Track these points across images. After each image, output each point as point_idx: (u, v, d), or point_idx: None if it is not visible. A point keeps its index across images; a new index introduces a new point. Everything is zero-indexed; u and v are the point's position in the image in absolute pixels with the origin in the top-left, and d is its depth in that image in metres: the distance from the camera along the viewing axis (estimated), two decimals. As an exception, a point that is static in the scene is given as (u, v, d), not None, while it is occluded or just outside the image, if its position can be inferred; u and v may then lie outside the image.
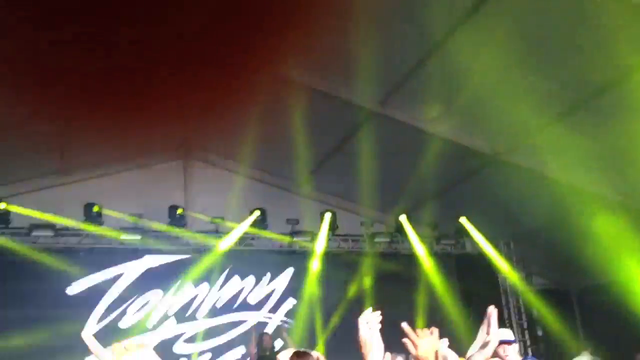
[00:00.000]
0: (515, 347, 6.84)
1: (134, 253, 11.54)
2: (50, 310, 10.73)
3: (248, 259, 12.03)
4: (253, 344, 10.24)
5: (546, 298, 12.89)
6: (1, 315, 10.53)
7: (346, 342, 12.33)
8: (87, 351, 3.84)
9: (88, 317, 10.89)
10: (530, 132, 10.25)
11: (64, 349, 9.83)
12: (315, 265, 12.09)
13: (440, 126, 10.39)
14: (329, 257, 12.23)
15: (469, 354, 2.65)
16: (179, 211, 11.62)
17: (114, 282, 11.29)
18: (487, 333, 2.66)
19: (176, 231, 11.67)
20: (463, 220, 12.57)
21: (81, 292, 11.07)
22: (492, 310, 2.66)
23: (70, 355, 9.66)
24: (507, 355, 6.68)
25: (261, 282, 12.09)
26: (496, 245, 12.96)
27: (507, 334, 6.95)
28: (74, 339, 9.83)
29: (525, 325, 13.08)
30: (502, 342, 6.72)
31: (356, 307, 12.06)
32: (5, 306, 10.52)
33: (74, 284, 11.05)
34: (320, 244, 12.16)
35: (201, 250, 11.81)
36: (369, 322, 2.67)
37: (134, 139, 11.36)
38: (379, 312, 2.75)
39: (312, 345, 11.56)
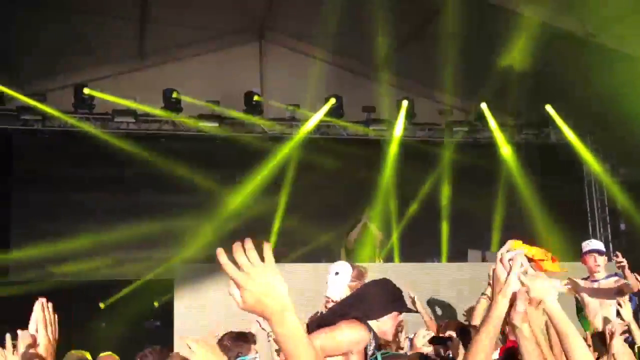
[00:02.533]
0: (605, 258, 6.38)
1: (212, 140, 11.43)
2: (134, 196, 10.92)
3: (323, 148, 11.74)
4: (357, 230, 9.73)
5: (631, 191, 12.21)
6: (90, 199, 10.78)
7: (420, 234, 12.17)
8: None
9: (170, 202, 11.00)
10: (628, 15, 9.43)
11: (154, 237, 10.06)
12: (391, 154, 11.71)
13: (529, 6, 9.62)
14: (405, 147, 11.75)
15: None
16: (256, 98, 11.32)
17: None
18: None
19: (253, 119, 11.44)
20: (548, 108, 11.79)
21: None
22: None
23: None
24: (597, 265, 6.27)
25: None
26: (581, 136, 12.11)
27: (598, 244, 6.50)
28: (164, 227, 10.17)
29: (608, 219, 12.48)
30: (592, 252, 6.31)
31: (432, 199, 11.78)
32: (85, 190, 10.74)
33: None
34: (396, 133, 11.71)
35: (277, 138, 11.57)
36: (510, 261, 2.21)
37: (211, 18, 11.18)
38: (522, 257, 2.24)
39: (388, 236, 11.37)
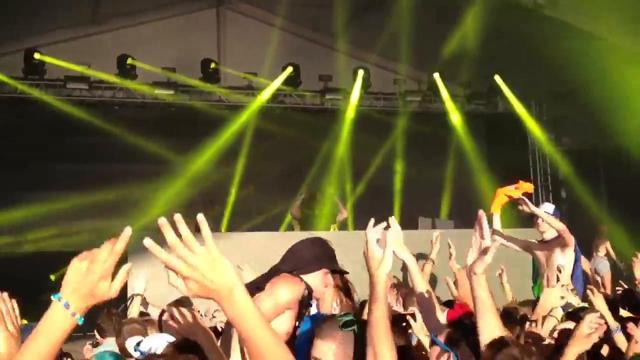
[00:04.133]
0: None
1: (168, 107, 11.15)
2: (88, 165, 10.57)
3: (279, 117, 11.60)
4: (298, 201, 9.80)
5: (573, 160, 12.50)
6: (41, 168, 10.38)
7: (373, 203, 12.21)
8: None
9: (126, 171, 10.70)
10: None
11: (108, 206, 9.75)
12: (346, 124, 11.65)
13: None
14: (361, 116, 11.70)
15: (468, 261, 2.24)
16: (212, 65, 11.04)
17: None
18: (482, 237, 2.23)
19: (209, 87, 11.18)
20: (497, 78, 11.86)
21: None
22: (481, 214, 2.24)
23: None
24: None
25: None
26: (528, 106, 12.27)
27: (549, 207, 6.56)
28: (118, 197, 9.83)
29: (550, 188, 12.76)
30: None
31: (385, 168, 11.79)
32: (36, 158, 10.34)
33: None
34: (352, 102, 11.64)
35: (233, 107, 11.34)
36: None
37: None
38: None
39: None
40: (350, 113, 11.53)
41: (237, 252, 6.40)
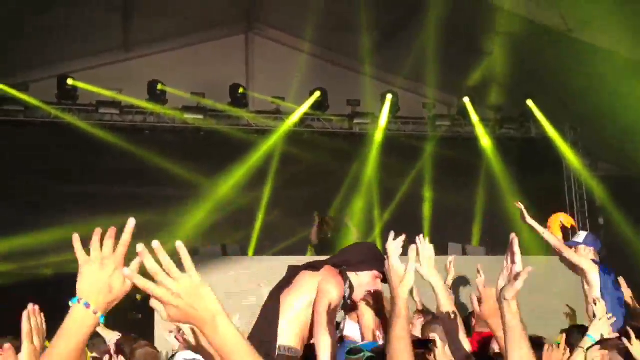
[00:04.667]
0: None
1: (196, 132, 11.22)
2: (117, 188, 10.66)
3: (307, 141, 11.56)
4: (316, 225, 9.71)
5: (610, 186, 12.11)
6: (71, 190, 10.50)
7: (402, 228, 12.00)
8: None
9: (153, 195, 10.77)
10: (606, 8, 9.28)
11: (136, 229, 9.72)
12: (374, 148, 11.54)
13: (511, 1, 9.46)
14: (389, 141, 11.54)
15: (498, 286, 2.15)
16: (240, 90, 11.08)
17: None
18: (513, 262, 2.12)
19: (238, 111, 11.22)
20: (529, 102, 11.61)
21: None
22: (513, 237, 2.12)
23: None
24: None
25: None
26: (562, 130, 11.96)
27: (582, 235, 6.21)
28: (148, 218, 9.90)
29: (587, 214, 12.36)
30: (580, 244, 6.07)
31: (414, 193, 11.59)
32: (68, 181, 10.46)
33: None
34: (380, 126, 11.53)
35: (262, 131, 11.34)
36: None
37: (198, 9, 10.92)
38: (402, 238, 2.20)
39: (371, 230, 11.21)
40: (378, 137, 11.41)
41: (264, 276, 6.33)
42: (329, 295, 3.40)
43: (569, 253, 5.67)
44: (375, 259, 3.64)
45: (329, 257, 3.80)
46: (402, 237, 2.23)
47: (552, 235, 5.78)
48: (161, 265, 1.40)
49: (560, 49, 9.92)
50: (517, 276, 2.07)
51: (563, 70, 10.20)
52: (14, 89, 10.13)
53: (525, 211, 5.73)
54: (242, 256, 9.48)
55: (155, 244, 1.40)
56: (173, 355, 3.69)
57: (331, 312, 3.37)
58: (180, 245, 1.42)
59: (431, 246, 2.79)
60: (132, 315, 10.04)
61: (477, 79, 11.09)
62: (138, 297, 9.99)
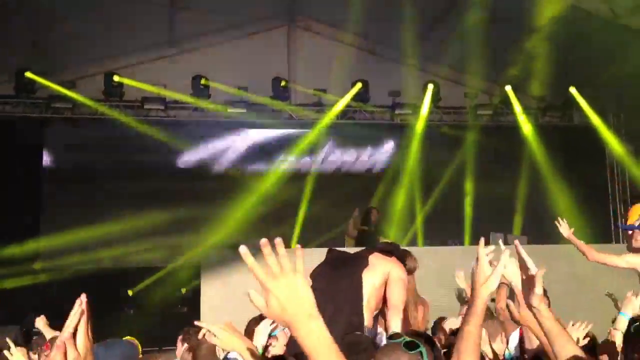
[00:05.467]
0: None
1: (240, 126, 11.27)
2: (163, 183, 10.76)
3: (349, 133, 11.53)
4: (356, 217, 9.69)
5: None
6: (119, 186, 10.63)
7: (443, 218, 11.91)
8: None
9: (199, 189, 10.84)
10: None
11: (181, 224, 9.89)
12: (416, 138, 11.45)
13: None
14: (430, 131, 11.47)
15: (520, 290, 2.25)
16: (282, 83, 11.08)
17: (222, 155, 11.15)
18: (526, 267, 2.22)
19: (280, 104, 11.23)
20: (572, 90, 11.40)
21: (191, 164, 11.02)
22: (517, 244, 2.25)
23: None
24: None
25: (362, 156, 11.66)
26: (605, 118, 11.75)
27: None
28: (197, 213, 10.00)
29: (629, 202, 12.13)
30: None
31: (456, 183, 11.49)
32: (115, 177, 10.60)
33: (184, 156, 11.01)
34: (421, 116, 11.44)
35: (304, 124, 11.35)
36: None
37: (240, 3, 10.92)
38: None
39: (412, 220, 11.15)
40: (419, 127, 11.32)
41: (307, 269, 6.33)
42: (403, 286, 3.76)
43: (608, 259, 5.47)
44: (409, 259, 4.11)
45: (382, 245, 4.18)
46: (492, 248, 2.19)
47: (589, 248, 5.59)
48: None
49: (607, 34, 9.70)
50: (532, 281, 2.14)
51: (608, 57, 9.98)
52: (62, 86, 10.26)
53: (564, 226, 5.62)
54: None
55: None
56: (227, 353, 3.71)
57: (404, 301, 3.77)
58: (299, 252, 1.47)
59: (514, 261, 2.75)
60: (179, 308, 10.13)
61: (520, 68, 10.92)
62: (183, 290, 10.13)
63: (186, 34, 11.29)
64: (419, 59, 11.74)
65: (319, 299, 1.42)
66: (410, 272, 4.18)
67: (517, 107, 11.55)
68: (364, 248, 4.08)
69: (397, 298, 3.72)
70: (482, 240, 2.24)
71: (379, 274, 3.79)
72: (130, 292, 10.20)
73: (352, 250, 4.03)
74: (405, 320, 3.91)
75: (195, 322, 2.60)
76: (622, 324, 3.74)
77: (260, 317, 3.70)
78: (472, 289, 2.18)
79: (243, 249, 1.44)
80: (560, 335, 2.19)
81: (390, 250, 4.01)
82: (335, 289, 3.69)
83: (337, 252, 4.01)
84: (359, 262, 3.83)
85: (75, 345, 1.85)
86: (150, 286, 10.09)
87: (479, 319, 2.13)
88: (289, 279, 1.45)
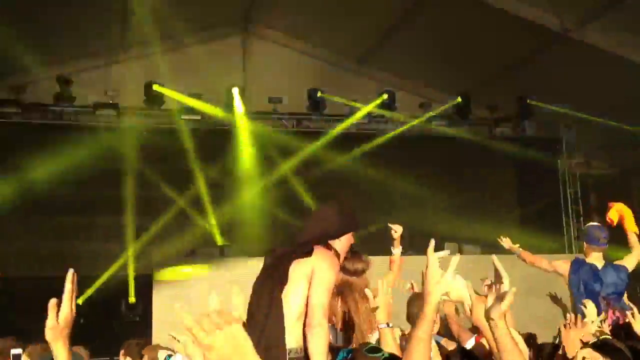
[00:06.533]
0: None
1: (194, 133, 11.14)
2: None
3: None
4: None
5: (605, 185, 12.07)
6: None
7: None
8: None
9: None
10: (605, 8, 9.25)
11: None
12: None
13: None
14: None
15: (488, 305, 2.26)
16: (319, 94, 10.92)
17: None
18: (500, 282, 2.23)
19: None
20: (524, 102, 11.50)
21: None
22: (494, 258, 2.27)
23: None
24: None
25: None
26: (557, 129, 12.02)
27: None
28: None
29: (581, 212, 12.31)
30: None
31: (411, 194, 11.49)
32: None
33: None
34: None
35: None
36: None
37: (196, 9, 10.73)
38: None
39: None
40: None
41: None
42: (325, 282, 3.29)
43: (537, 262, 6.29)
44: (347, 217, 3.67)
45: (304, 229, 3.65)
46: (446, 252, 2.23)
47: (526, 254, 6.42)
48: None
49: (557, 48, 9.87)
50: (503, 296, 2.16)
51: (558, 70, 10.18)
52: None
53: (506, 241, 6.53)
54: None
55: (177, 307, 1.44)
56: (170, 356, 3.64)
57: (327, 299, 3.28)
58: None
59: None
60: (129, 317, 9.92)
61: (473, 78, 11.02)
62: (131, 300, 9.88)
63: (139, 39, 11.06)
64: (375, 68, 11.79)
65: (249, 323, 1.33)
66: (356, 273, 3.79)
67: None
68: (290, 246, 3.49)
69: (312, 304, 3.25)
70: (432, 243, 2.22)
71: (300, 287, 3.30)
72: (79, 301, 9.92)
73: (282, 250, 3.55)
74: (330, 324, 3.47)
75: (170, 333, 2.54)
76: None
77: None
78: (424, 294, 2.19)
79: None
80: (512, 351, 2.18)
81: (318, 239, 3.49)
82: (258, 311, 3.28)
83: (269, 257, 3.61)
84: (276, 278, 3.35)
85: (57, 314, 2.03)
86: (99, 294, 9.86)
87: (429, 325, 2.15)
88: (226, 332, 1.40)
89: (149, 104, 10.57)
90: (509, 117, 12.01)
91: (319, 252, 3.38)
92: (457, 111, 11.64)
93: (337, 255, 3.56)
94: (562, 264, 6.15)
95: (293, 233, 3.64)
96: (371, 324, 3.58)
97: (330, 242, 3.56)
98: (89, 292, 9.69)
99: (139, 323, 9.53)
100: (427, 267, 2.20)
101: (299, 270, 3.33)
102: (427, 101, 11.80)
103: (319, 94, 10.94)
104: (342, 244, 3.63)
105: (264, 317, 3.24)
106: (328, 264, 3.34)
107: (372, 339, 3.54)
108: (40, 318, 2.09)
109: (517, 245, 6.43)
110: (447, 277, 2.17)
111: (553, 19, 9.68)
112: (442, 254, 2.22)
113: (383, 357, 2.38)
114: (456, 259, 2.20)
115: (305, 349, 3.25)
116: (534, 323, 6.58)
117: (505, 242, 6.45)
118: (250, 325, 3.23)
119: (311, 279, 3.30)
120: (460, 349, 3.48)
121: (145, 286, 8.87)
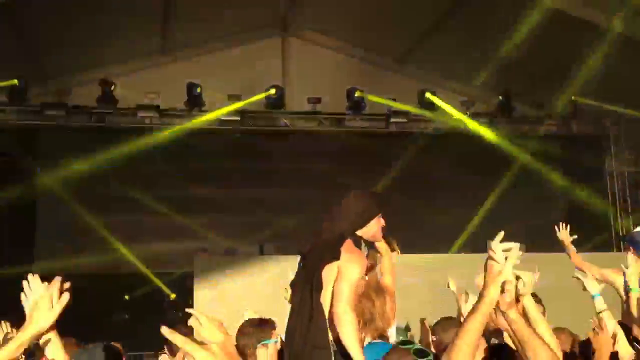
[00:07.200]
0: None
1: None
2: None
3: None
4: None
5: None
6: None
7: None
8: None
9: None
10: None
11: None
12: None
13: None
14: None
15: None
16: (357, 93, 10.84)
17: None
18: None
19: (274, 112, 11.12)
20: (571, 99, 11.17)
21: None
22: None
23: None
24: None
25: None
26: (604, 125, 11.78)
27: None
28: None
29: (629, 209, 11.98)
30: None
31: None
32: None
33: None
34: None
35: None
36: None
37: (234, 12, 10.78)
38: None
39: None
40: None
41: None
42: (348, 276, 3.33)
43: (586, 266, 5.40)
44: (373, 201, 3.71)
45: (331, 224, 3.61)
46: (516, 244, 2.11)
47: (578, 256, 5.70)
48: None
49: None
50: (503, 288, 2.09)
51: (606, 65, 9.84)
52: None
53: (562, 234, 5.80)
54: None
55: (164, 330, 1.59)
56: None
57: (350, 291, 3.31)
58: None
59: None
60: (119, 316, 10.05)
61: (518, 76, 10.80)
62: (172, 296, 10.00)
63: (179, 42, 11.19)
64: (415, 67, 11.67)
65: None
66: (366, 270, 3.75)
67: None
68: (318, 247, 3.52)
69: (337, 300, 3.32)
70: (500, 235, 2.13)
71: (330, 285, 3.39)
72: (127, 297, 10.15)
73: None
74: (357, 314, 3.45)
75: (187, 309, 2.51)
76: (599, 304, 3.71)
77: (259, 321, 3.57)
78: (483, 286, 2.12)
79: (165, 330, 1.55)
80: (530, 339, 2.13)
81: (349, 231, 3.55)
82: (303, 314, 3.39)
83: (303, 259, 3.64)
84: (314, 285, 3.42)
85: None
86: (144, 291, 10.02)
87: (481, 319, 2.06)
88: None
89: (190, 106, 10.64)
90: (554, 115, 11.73)
91: (345, 249, 3.42)
92: (500, 109, 11.44)
93: (366, 243, 3.66)
94: (612, 274, 5.39)
95: (319, 230, 3.57)
96: (388, 320, 3.61)
97: (359, 232, 3.61)
98: (140, 290, 9.91)
99: (182, 319, 9.62)
100: (488, 258, 2.11)
101: (327, 274, 3.39)
102: (469, 100, 11.60)
103: (356, 94, 10.84)
104: (371, 228, 3.64)
105: (307, 320, 3.35)
106: (352, 261, 3.38)
107: (390, 333, 3.57)
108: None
109: (572, 239, 5.69)
110: (508, 268, 2.08)
111: (600, 15, 9.40)
112: (509, 245, 2.11)
113: (414, 348, 2.43)
114: (516, 251, 2.10)
115: (338, 340, 3.28)
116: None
117: (562, 233, 5.70)
118: (293, 323, 3.42)
119: (336, 279, 3.37)
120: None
121: (186, 283, 8.98)
